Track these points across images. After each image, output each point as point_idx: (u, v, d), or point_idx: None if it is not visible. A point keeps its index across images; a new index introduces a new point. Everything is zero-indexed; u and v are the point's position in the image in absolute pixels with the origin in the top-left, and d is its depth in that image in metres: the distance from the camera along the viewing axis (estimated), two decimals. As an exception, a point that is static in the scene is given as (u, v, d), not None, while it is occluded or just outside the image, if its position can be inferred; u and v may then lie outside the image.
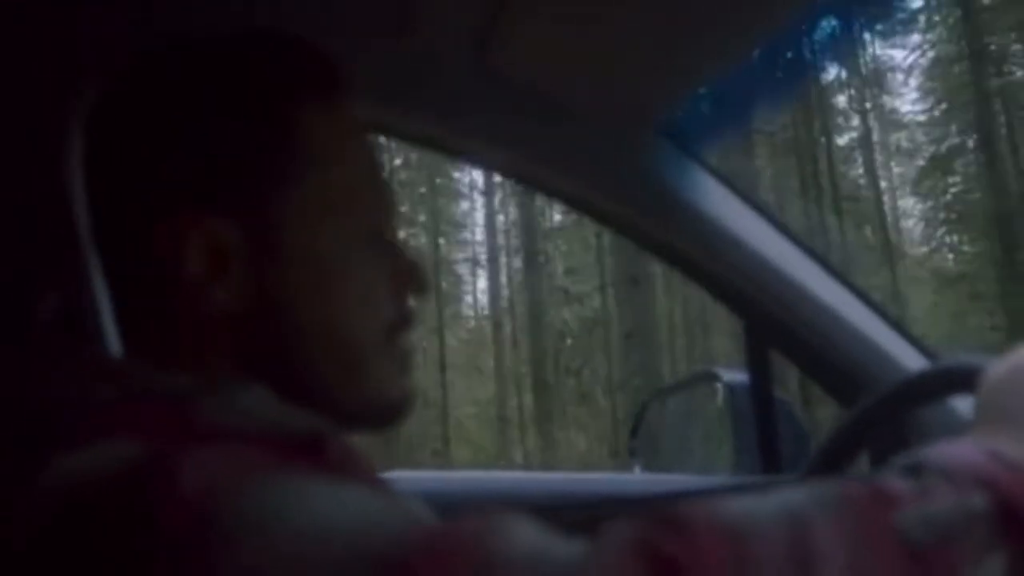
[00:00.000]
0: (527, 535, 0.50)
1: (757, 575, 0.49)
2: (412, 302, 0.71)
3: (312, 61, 0.69)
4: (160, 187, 0.63)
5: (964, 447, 0.62)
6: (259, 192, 0.64)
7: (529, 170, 1.30)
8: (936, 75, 14.88)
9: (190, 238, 0.62)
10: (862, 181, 16.64)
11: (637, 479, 1.65)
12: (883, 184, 17.33)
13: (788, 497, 0.55)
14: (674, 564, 0.48)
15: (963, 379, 0.89)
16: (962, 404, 1.24)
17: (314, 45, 0.69)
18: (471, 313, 20.83)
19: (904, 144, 17.32)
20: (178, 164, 0.63)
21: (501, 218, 19.69)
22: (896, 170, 17.93)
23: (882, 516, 0.54)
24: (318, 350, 0.65)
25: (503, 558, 0.48)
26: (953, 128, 14.58)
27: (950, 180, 14.95)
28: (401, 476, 1.41)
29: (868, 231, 15.72)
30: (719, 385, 1.58)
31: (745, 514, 0.52)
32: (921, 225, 17.03)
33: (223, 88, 0.65)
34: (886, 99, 17.55)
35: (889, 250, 15.31)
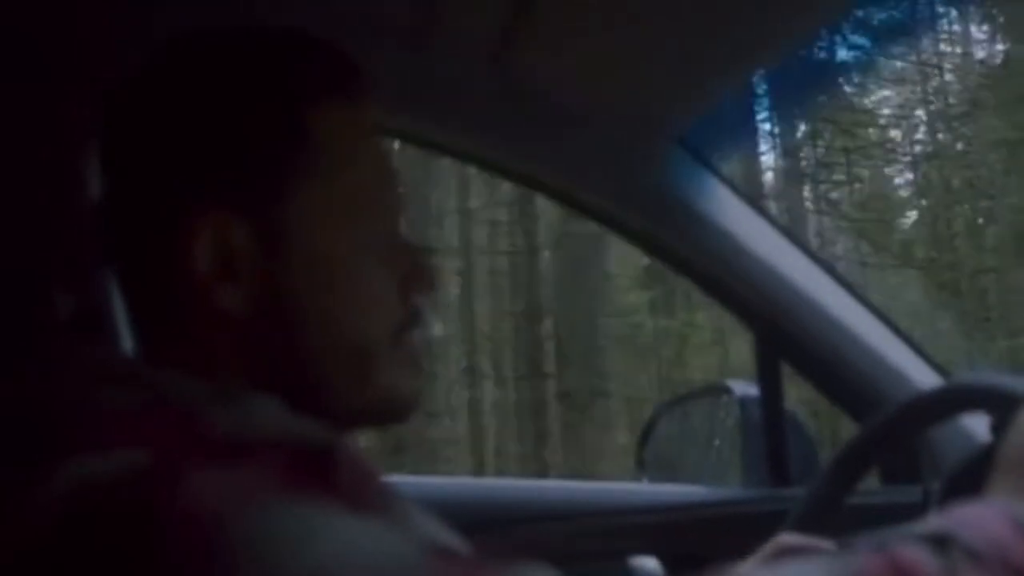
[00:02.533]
0: None
1: None
2: (421, 301, 0.71)
3: (329, 61, 0.68)
4: (171, 184, 0.63)
5: (992, 517, 0.58)
6: (269, 192, 0.63)
7: (544, 178, 1.30)
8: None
9: (199, 237, 0.61)
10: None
11: (645, 489, 1.65)
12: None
13: (807, 570, 0.54)
14: None
15: (977, 398, 0.89)
16: (973, 422, 1.23)
17: (332, 44, 0.68)
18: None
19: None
20: (188, 161, 0.63)
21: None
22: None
23: None
24: (326, 350, 0.64)
25: None
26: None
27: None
28: (404, 481, 1.41)
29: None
30: (729, 397, 1.57)
31: None
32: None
33: (236, 86, 0.65)
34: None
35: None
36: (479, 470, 10.29)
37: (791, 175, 10.97)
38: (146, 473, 0.49)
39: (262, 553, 0.47)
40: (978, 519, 0.58)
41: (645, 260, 9.63)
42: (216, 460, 0.51)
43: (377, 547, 0.50)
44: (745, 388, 1.52)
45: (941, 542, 0.55)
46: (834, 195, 11.53)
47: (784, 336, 1.35)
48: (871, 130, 11.92)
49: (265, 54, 0.67)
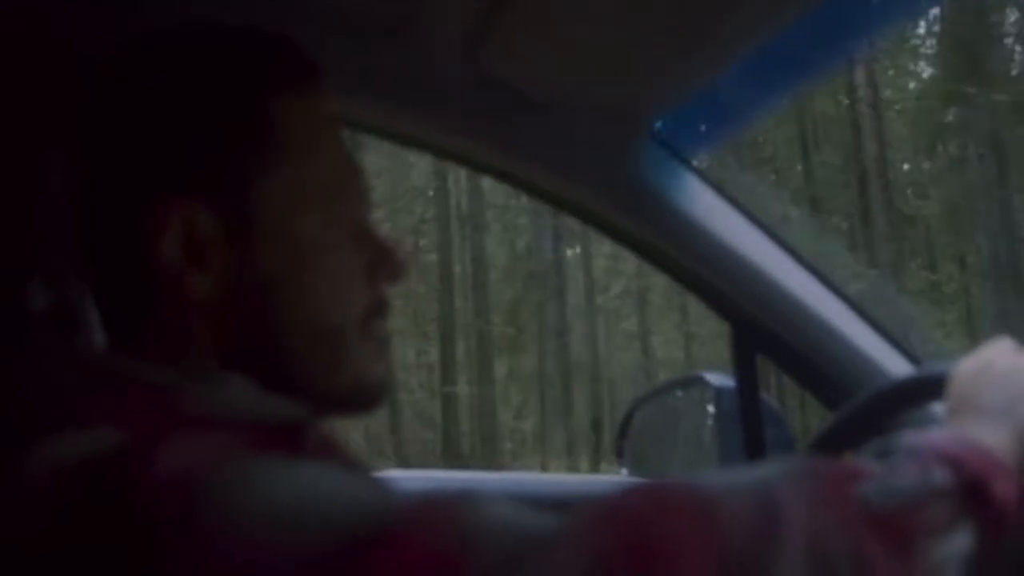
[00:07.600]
0: (501, 507, 0.54)
1: (725, 529, 0.52)
2: (388, 288, 0.72)
3: (286, 52, 0.70)
4: (137, 175, 0.65)
5: (934, 433, 0.65)
6: (234, 180, 0.65)
7: (518, 172, 1.30)
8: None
9: (166, 226, 0.63)
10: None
11: (625, 482, 1.66)
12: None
13: (758, 469, 0.59)
14: (644, 524, 0.51)
15: (944, 386, 0.90)
16: (944, 410, 1.25)
17: (289, 37, 0.70)
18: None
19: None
20: (153, 153, 0.64)
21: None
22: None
23: (845, 485, 0.57)
24: (296, 337, 0.66)
25: (481, 526, 0.51)
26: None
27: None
28: (389, 475, 1.41)
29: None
30: (706, 389, 1.59)
31: (714, 481, 0.57)
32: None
33: (197, 78, 0.66)
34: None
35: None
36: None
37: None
38: (119, 448, 0.51)
39: (231, 505, 0.49)
40: (922, 434, 0.65)
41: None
42: (187, 434, 0.53)
43: (343, 487, 0.52)
44: (721, 379, 1.53)
45: (886, 452, 0.62)
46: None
47: (760, 328, 1.36)
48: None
49: (225, 49, 0.68)
